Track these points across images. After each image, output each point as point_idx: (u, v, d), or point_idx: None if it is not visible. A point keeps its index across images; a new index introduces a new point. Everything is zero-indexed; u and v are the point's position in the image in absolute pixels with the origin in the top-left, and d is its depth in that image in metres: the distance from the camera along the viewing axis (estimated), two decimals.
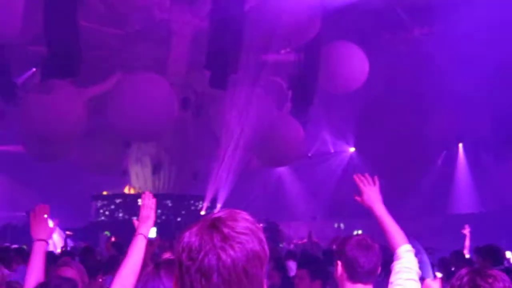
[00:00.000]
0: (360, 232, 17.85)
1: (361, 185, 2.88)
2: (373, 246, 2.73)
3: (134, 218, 3.14)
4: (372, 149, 18.87)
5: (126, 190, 18.20)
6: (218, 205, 17.13)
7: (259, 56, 15.56)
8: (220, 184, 16.80)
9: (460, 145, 20.92)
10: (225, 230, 1.30)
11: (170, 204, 17.88)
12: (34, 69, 16.22)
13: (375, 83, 16.36)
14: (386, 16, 16.09)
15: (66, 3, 13.05)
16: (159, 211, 17.77)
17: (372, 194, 2.86)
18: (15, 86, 14.73)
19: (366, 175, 2.93)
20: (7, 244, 10.41)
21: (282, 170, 20.75)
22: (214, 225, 1.31)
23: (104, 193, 18.43)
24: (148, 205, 3.06)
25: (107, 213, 17.75)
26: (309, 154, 20.61)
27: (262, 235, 1.34)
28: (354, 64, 15.68)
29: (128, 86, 14.00)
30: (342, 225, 18.67)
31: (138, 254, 2.83)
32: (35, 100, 13.90)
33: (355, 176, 2.91)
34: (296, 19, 13.60)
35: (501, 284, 2.03)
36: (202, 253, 1.28)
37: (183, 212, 17.82)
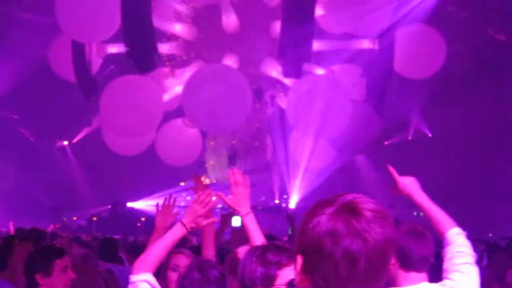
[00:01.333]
0: None
1: (395, 175, 2.77)
2: (425, 233, 2.63)
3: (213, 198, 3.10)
4: (452, 134, 18.26)
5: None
6: (294, 195, 17.15)
7: (331, 43, 15.39)
8: (294, 173, 16.78)
9: None
10: (367, 214, 1.26)
11: None
12: (112, 66, 16.80)
13: (455, 65, 15.77)
14: None
15: (142, 2, 13.45)
16: None
17: (408, 183, 2.75)
18: (95, 82, 15.30)
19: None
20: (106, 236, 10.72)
21: (358, 157, 20.46)
22: (353, 208, 1.27)
23: (182, 183, 18.83)
24: (201, 200, 2.98)
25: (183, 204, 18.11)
26: (386, 142, 20.19)
27: (392, 219, 1.31)
28: (431, 47, 15.16)
29: (204, 78, 14.19)
30: (421, 213, 18.30)
31: (169, 238, 2.84)
32: (114, 95, 14.36)
33: (389, 167, 2.80)
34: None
35: None
36: (348, 238, 1.24)
37: (254, 201, 17.92)
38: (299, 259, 1.28)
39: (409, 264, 2.58)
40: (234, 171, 3.02)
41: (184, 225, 2.91)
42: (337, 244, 1.22)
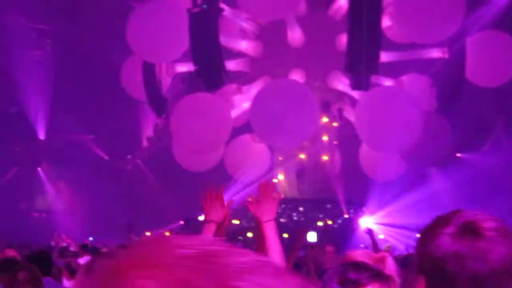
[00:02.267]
0: None
1: None
2: None
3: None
4: None
5: None
6: (365, 209, 16.92)
7: (399, 53, 15.16)
8: (364, 187, 16.54)
9: None
10: (489, 234, 1.26)
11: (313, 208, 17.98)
12: (181, 85, 17.21)
13: None
14: None
15: (209, 22, 13.76)
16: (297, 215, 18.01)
17: None
18: (166, 100, 15.72)
19: None
20: None
21: (430, 170, 19.92)
22: (474, 229, 1.27)
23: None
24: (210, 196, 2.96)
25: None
26: (458, 154, 19.56)
27: None
28: (503, 53, 14.62)
29: (270, 93, 14.29)
30: None
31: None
32: (184, 112, 14.68)
33: None
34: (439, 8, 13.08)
35: None
36: (473, 260, 1.24)
37: (323, 216, 17.85)
38: (421, 280, 1.30)
39: None
40: (268, 185, 2.98)
41: (211, 220, 2.91)
42: (462, 266, 1.22)
